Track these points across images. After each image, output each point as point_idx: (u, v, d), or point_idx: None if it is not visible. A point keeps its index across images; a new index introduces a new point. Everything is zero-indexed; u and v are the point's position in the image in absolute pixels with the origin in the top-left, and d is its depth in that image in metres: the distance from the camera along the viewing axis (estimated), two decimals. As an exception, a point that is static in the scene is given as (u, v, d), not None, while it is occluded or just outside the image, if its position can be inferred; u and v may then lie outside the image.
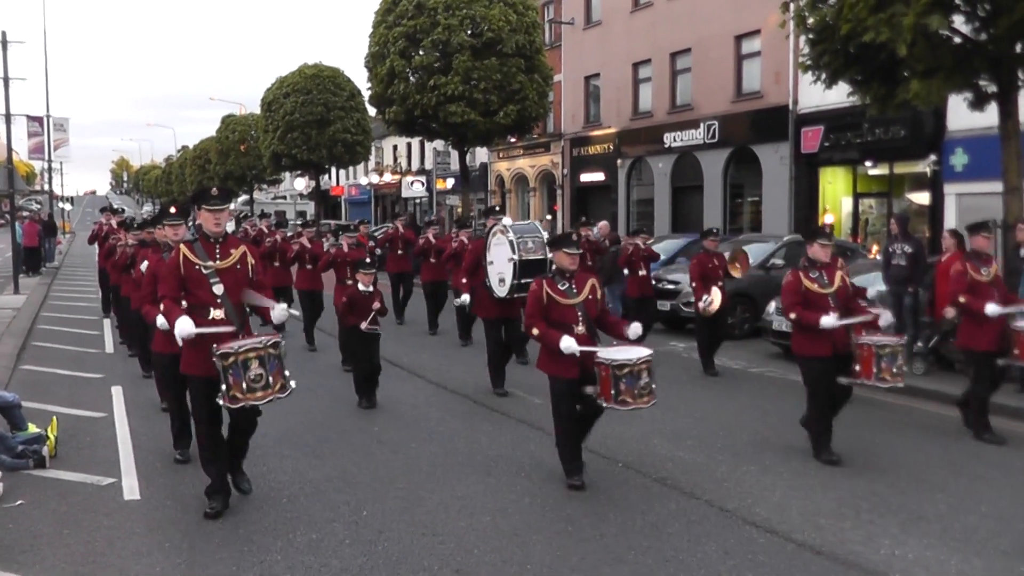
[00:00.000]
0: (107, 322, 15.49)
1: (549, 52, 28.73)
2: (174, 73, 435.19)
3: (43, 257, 28.46)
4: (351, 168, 47.72)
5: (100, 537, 5.61)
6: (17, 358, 12.03)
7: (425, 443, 7.87)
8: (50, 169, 41.73)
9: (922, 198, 18.96)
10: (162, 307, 5.91)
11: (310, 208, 52.45)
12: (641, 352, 6.28)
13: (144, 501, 6.31)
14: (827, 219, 21.04)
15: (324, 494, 6.41)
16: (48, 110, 34.46)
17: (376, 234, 22.44)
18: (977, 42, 10.43)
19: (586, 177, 30.59)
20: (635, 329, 6.45)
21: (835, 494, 6.48)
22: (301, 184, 46.12)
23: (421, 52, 24.98)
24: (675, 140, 25.67)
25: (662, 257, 15.58)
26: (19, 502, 6.22)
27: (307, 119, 37.54)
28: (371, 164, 48.73)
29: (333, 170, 46.82)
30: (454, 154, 29.94)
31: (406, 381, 10.69)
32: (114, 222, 16.03)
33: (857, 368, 7.13)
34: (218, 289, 5.86)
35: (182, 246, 5.99)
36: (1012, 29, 9.82)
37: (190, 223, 11.37)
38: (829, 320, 7.00)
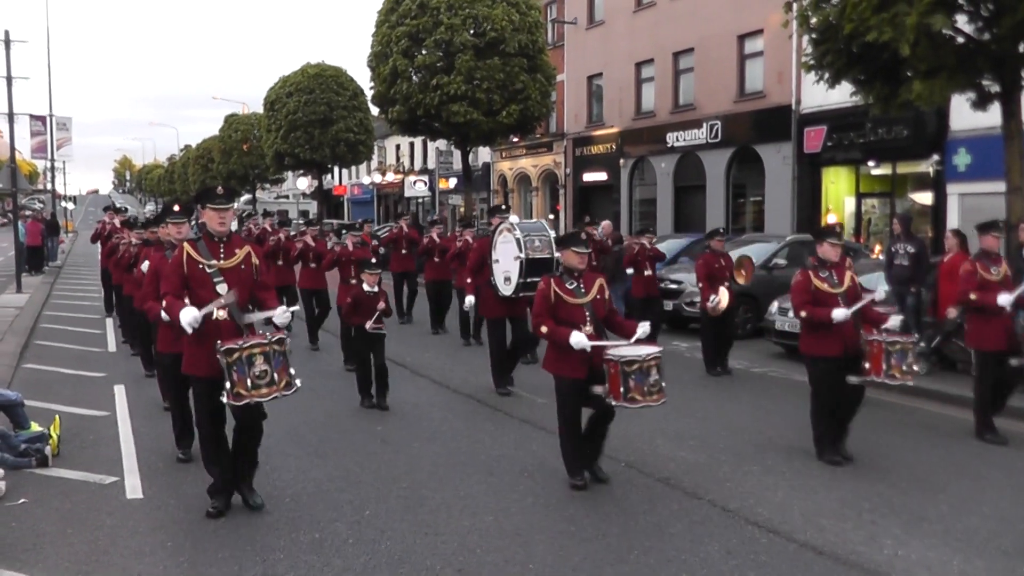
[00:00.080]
0: (109, 321, 15.51)
1: (552, 52, 28.71)
2: (177, 72, 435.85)
3: (46, 256, 28.50)
4: (354, 167, 47.74)
5: (103, 536, 5.62)
6: (20, 357, 12.05)
7: (428, 443, 7.87)
8: (53, 168, 41.81)
9: (925, 198, 18.95)
10: (164, 303, 5.85)
11: (313, 207, 52.49)
12: (650, 349, 6.25)
13: (147, 500, 6.32)
14: (830, 219, 21.02)
15: (327, 493, 6.42)
16: (51, 109, 34.59)
17: (379, 233, 22.46)
18: (980, 42, 10.42)
19: (589, 177, 30.59)
20: (644, 328, 6.39)
21: (837, 494, 6.48)
22: (304, 183, 46.14)
23: (424, 52, 24.97)
24: (678, 140, 25.67)
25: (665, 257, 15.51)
26: (22, 500, 6.23)
27: (310, 118, 37.55)
28: (374, 164, 48.75)
29: (336, 169, 46.92)
30: (456, 154, 29.93)
31: (409, 381, 10.69)
32: (117, 221, 16.06)
33: (867, 365, 7.04)
34: (222, 289, 5.79)
35: (186, 245, 5.94)
36: (1015, 29, 9.81)
37: (193, 222, 11.37)
38: (841, 312, 6.94)
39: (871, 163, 20.01)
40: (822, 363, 7.22)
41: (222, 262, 5.87)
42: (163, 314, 6.34)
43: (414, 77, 25.33)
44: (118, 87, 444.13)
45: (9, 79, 22.78)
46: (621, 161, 28.51)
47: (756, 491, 6.55)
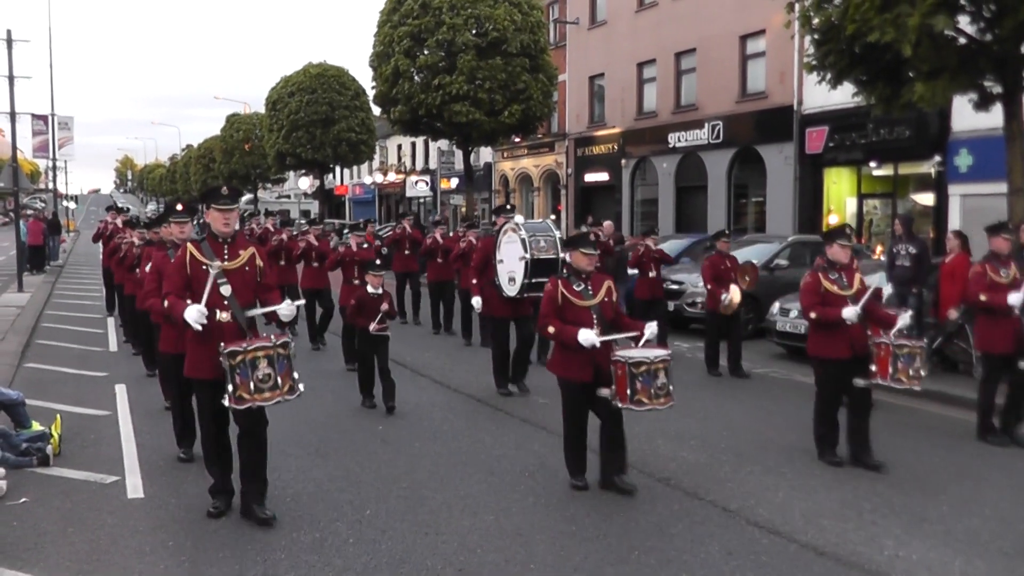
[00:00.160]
0: (111, 320, 15.53)
1: (554, 52, 28.73)
2: (179, 72, 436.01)
3: (47, 255, 28.53)
4: (355, 167, 47.78)
5: (104, 535, 5.62)
6: (21, 356, 12.06)
7: (428, 442, 7.88)
8: (54, 168, 41.81)
9: (926, 199, 18.93)
10: (166, 304, 5.75)
11: (314, 207, 52.52)
12: (659, 352, 6.20)
13: (147, 499, 6.32)
14: (832, 219, 21.02)
15: (327, 493, 6.42)
16: (53, 109, 34.61)
17: (382, 233, 22.46)
18: (982, 43, 10.41)
19: (590, 177, 30.59)
20: (652, 328, 6.33)
21: (838, 495, 6.48)
22: (305, 183, 46.17)
23: (426, 51, 24.99)
24: (679, 140, 25.66)
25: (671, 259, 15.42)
26: (23, 500, 6.23)
27: (312, 118, 37.59)
28: (375, 163, 48.79)
29: (337, 169, 46.90)
30: (458, 154, 29.94)
31: (409, 381, 10.68)
32: (119, 221, 16.07)
33: (873, 368, 6.99)
34: (225, 290, 5.71)
35: (189, 245, 5.86)
36: (1017, 30, 9.80)
37: (194, 221, 11.37)
38: (850, 311, 6.89)
39: (873, 164, 20.00)
40: (830, 365, 7.16)
41: (226, 263, 5.79)
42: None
43: (416, 77, 25.35)
44: (120, 87, 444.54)
45: (11, 78, 22.83)
46: (623, 161, 28.51)
47: (757, 491, 6.55)
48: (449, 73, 24.55)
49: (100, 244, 16.80)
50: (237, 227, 6.03)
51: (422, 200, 44.86)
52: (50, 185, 48.04)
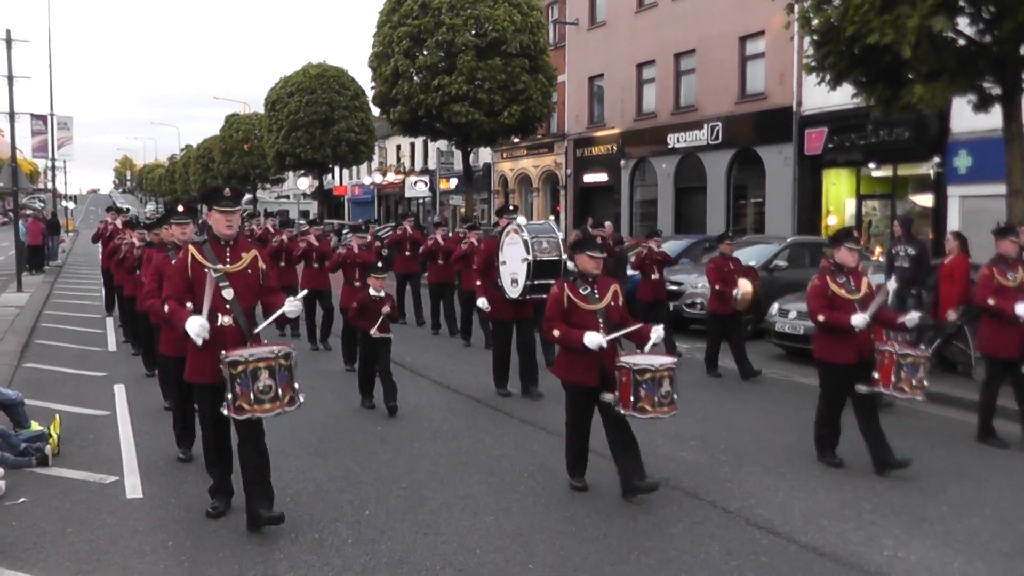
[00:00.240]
0: (110, 320, 15.52)
1: (553, 52, 28.75)
2: (178, 72, 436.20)
3: (46, 255, 28.52)
4: (355, 168, 47.79)
5: (103, 535, 5.61)
6: (20, 356, 12.05)
7: (428, 443, 7.87)
8: (53, 168, 41.79)
9: (926, 200, 18.95)
10: (167, 308, 5.66)
11: (313, 207, 52.54)
12: (664, 359, 6.12)
13: (147, 500, 6.31)
14: (830, 220, 21.04)
15: (327, 493, 6.42)
16: (52, 109, 34.63)
17: (382, 234, 22.45)
18: (981, 44, 10.42)
19: (589, 178, 30.60)
20: (659, 332, 6.25)
21: (838, 495, 6.48)
22: (304, 183, 46.19)
23: (425, 52, 25.00)
24: (679, 141, 25.67)
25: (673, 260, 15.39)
26: (22, 500, 6.23)
27: (311, 118, 37.61)
28: (374, 164, 48.80)
29: (336, 169, 46.90)
30: (457, 154, 29.97)
31: (409, 381, 10.67)
32: (119, 222, 16.06)
33: (876, 376, 6.94)
34: (227, 294, 5.63)
35: (191, 247, 5.77)
36: (1016, 31, 9.81)
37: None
38: (860, 318, 6.84)
39: (872, 165, 20.02)
40: (836, 370, 7.11)
41: (228, 266, 5.70)
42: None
43: (415, 77, 25.37)
44: (119, 86, 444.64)
45: (10, 78, 22.83)
46: (622, 162, 28.52)
47: (756, 492, 6.55)
48: (448, 73, 24.56)
49: (99, 245, 16.81)
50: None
51: (421, 201, 44.87)
52: (49, 185, 48.02)
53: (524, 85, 24.94)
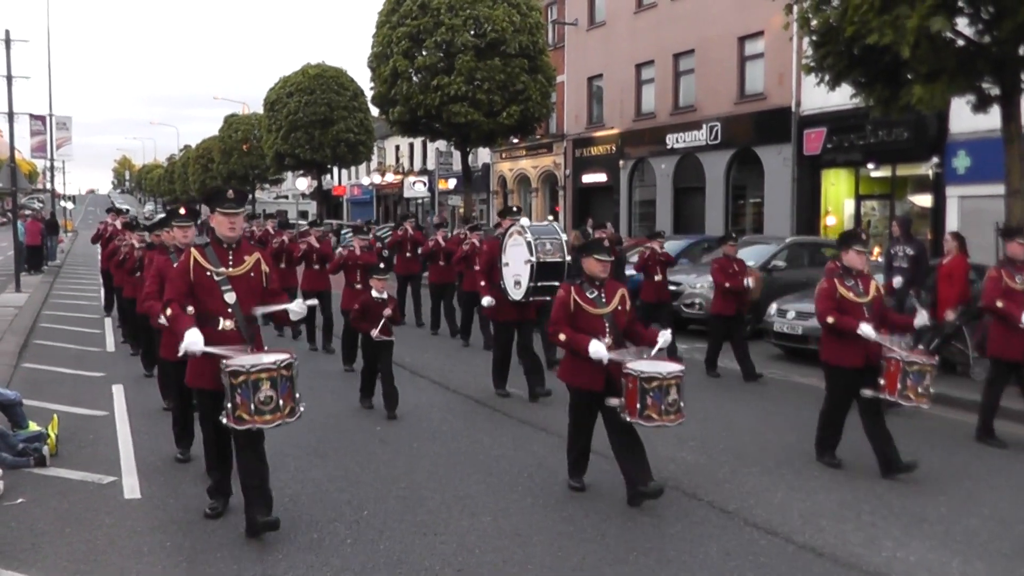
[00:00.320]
0: (108, 321, 15.52)
1: (552, 53, 28.74)
2: (177, 72, 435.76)
3: (45, 256, 28.50)
4: (353, 168, 47.80)
5: (101, 536, 5.61)
6: (19, 356, 12.04)
7: (427, 443, 7.87)
8: (52, 168, 41.80)
9: (924, 200, 18.96)
10: (168, 312, 5.57)
11: (312, 208, 52.53)
12: (672, 367, 6.03)
13: (145, 500, 6.31)
14: (829, 221, 21.05)
15: (326, 493, 6.41)
16: (51, 109, 34.60)
17: (382, 234, 22.44)
18: (980, 44, 10.42)
19: (588, 178, 30.61)
20: (666, 336, 6.19)
21: (837, 496, 6.48)
22: (303, 184, 46.19)
23: (424, 52, 24.99)
24: (677, 141, 25.68)
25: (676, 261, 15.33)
26: (20, 500, 6.22)
27: (310, 119, 37.60)
28: (373, 164, 48.80)
29: (335, 170, 46.90)
30: (456, 154, 29.95)
31: (408, 381, 10.66)
32: (118, 223, 16.05)
33: (882, 382, 6.88)
34: (230, 298, 5.57)
35: (193, 250, 5.68)
36: (1016, 32, 9.81)
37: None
38: (868, 329, 6.76)
39: (871, 165, 20.03)
40: (843, 373, 7.07)
41: (231, 270, 5.62)
42: (162, 318, 6.09)
43: (414, 78, 25.35)
44: (118, 87, 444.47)
45: (9, 78, 22.80)
46: (621, 162, 28.52)
47: (755, 492, 6.55)
48: (448, 74, 24.55)
49: (99, 245, 16.79)
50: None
51: (419, 201, 44.87)
52: (48, 185, 47.97)
53: (523, 85, 24.94)
